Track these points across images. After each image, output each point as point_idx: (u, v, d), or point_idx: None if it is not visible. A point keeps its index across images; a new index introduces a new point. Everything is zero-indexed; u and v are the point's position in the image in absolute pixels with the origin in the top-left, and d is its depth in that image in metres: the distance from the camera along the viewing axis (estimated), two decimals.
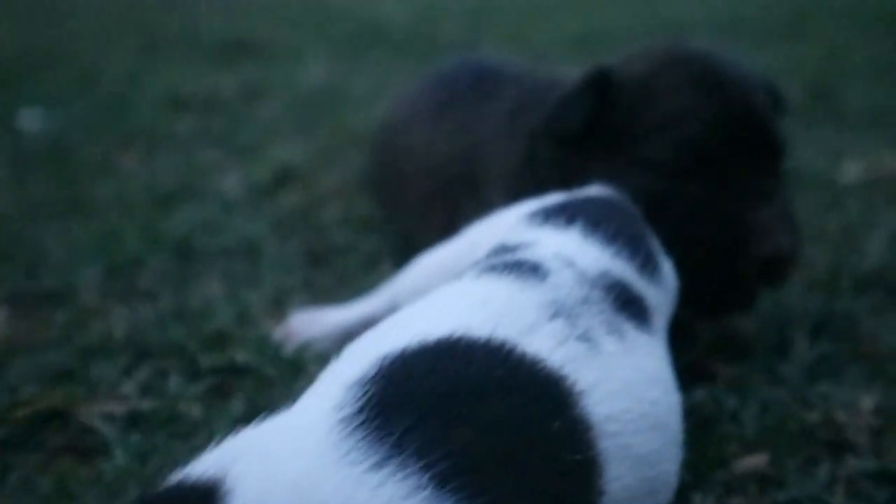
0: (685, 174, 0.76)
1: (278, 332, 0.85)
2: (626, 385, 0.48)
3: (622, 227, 0.59)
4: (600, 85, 0.80)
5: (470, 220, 0.73)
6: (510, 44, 2.66)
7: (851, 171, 1.34)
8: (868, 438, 0.66)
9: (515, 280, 0.51)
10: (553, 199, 0.65)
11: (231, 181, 1.39)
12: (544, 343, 0.47)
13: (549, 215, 0.59)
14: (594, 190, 0.69)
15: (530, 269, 0.52)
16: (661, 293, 0.59)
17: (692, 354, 0.75)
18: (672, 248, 0.66)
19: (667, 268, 0.62)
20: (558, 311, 0.49)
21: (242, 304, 0.94)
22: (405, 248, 0.98)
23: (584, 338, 0.49)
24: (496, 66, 1.02)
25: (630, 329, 0.53)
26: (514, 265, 0.52)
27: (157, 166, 1.51)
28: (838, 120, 1.70)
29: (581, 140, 0.80)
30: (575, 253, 0.55)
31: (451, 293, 0.52)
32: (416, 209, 0.98)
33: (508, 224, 0.63)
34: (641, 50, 0.86)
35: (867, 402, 0.68)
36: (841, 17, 2.80)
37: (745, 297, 0.77)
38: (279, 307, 0.95)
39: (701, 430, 0.66)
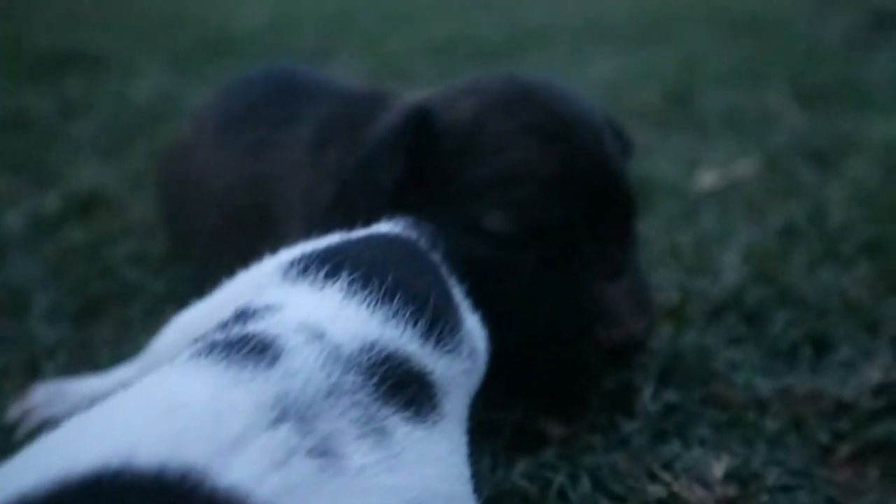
0: (520, 243, 0.62)
1: (14, 411, 0.68)
2: None
3: (404, 278, 0.45)
4: (419, 131, 0.66)
5: None
6: (368, 51, 2.52)
7: (706, 179, 1.26)
8: None
9: (229, 368, 0.36)
10: (323, 243, 0.50)
11: (13, 215, 1.19)
12: (252, 466, 0.32)
13: (309, 267, 0.45)
14: (383, 226, 0.55)
15: (256, 350, 0.37)
16: (458, 362, 0.46)
17: (517, 413, 0.63)
18: (503, 330, 0.54)
19: (471, 327, 0.49)
20: (284, 413, 0.35)
21: None
22: (197, 291, 0.82)
23: (320, 451, 0.35)
24: (302, 78, 0.87)
25: (399, 425, 0.39)
26: (237, 344, 0.38)
27: None
28: (695, 125, 1.64)
29: (400, 193, 0.65)
30: (329, 321, 0.41)
31: (139, 392, 0.37)
32: (205, 245, 0.82)
33: (260, 279, 0.48)
34: (470, 83, 0.71)
35: (718, 468, 0.57)
36: (699, 23, 2.79)
37: (585, 386, 0.65)
38: (33, 374, 0.77)
39: None
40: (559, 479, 0.56)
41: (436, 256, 0.52)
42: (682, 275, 0.92)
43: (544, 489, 0.56)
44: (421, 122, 0.66)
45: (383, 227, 0.54)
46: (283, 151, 0.77)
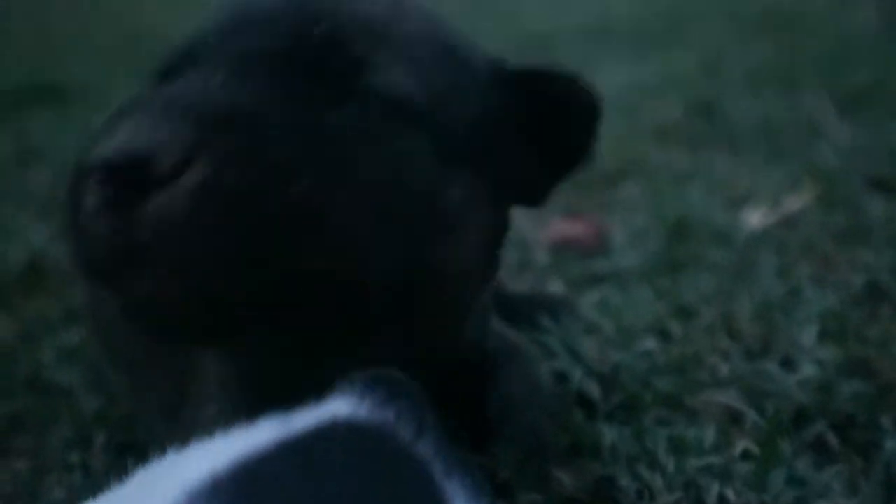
0: None
1: None
2: None
3: None
4: None
5: None
6: None
7: (753, 216, 1.06)
8: None
9: None
10: (244, 452, 0.32)
11: None
12: None
13: None
14: (347, 404, 0.35)
15: None
16: None
17: None
18: None
19: None
20: None
21: None
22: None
23: None
24: None
25: None
26: None
27: None
28: (726, 141, 1.45)
29: None
30: None
31: None
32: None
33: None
34: None
35: None
36: (714, 22, 2.60)
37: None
38: None
39: None
40: None
41: (425, 452, 0.33)
42: (742, 362, 0.73)
43: None
44: None
45: (344, 405, 0.35)
46: None
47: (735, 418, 0.67)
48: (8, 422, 0.73)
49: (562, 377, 0.70)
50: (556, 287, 0.91)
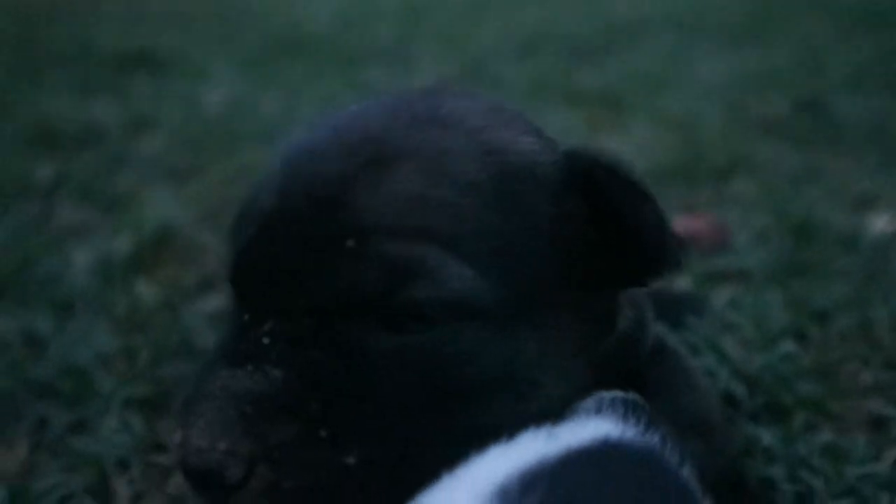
0: None
1: None
2: None
3: None
4: None
5: None
6: (448, 49, 2.35)
7: (877, 221, 1.06)
8: None
9: None
10: (541, 451, 0.34)
11: (82, 256, 1.06)
12: None
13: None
14: (609, 426, 0.37)
15: None
16: None
17: None
18: None
19: None
20: None
21: (39, 501, 0.62)
22: None
23: None
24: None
25: None
26: None
27: None
28: (836, 141, 1.43)
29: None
30: None
31: None
32: None
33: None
34: None
35: None
36: (813, 15, 2.54)
37: None
38: (103, 499, 0.63)
39: None
40: None
41: (692, 484, 0.35)
42: (884, 371, 0.73)
43: None
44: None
45: (609, 426, 0.37)
46: None
47: (879, 425, 0.68)
48: (171, 385, 0.76)
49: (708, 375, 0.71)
50: (682, 284, 0.92)
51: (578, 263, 0.44)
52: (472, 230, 0.41)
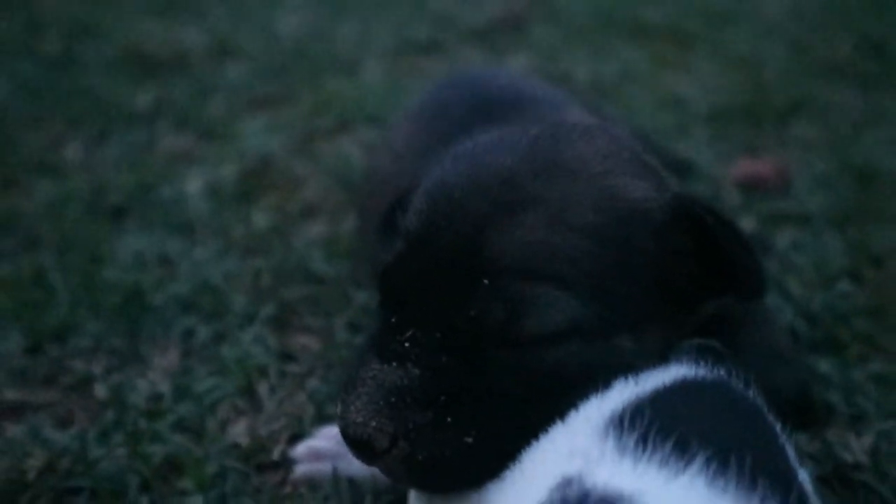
0: None
1: (301, 449, 0.66)
2: None
3: (762, 456, 0.38)
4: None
5: None
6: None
7: None
8: None
9: None
10: (636, 390, 0.43)
11: (194, 183, 1.16)
12: None
13: (648, 432, 0.38)
14: (688, 369, 0.46)
15: None
16: None
17: None
18: None
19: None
20: None
21: (201, 398, 0.74)
22: None
23: None
24: (505, 96, 0.79)
25: None
26: None
27: (107, 157, 1.27)
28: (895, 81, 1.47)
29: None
30: None
31: None
32: None
33: (578, 429, 0.42)
34: None
35: None
36: None
37: None
38: (251, 399, 0.75)
39: None
40: None
41: (760, 405, 0.44)
42: None
43: None
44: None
45: (688, 368, 0.46)
46: None
47: None
48: (297, 304, 0.87)
49: None
50: (747, 224, 1.00)
51: (676, 288, 0.54)
52: (584, 270, 0.50)
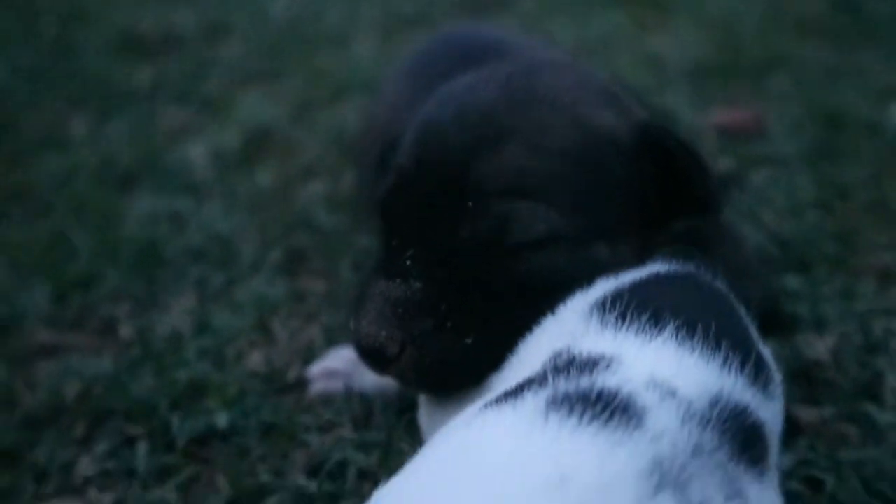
0: None
1: (315, 369, 0.72)
2: None
3: (725, 325, 0.44)
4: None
5: None
6: None
7: None
8: None
9: (601, 430, 0.36)
10: (619, 284, 0.49)
11: (197, 150, 1.22)
12: None
13: (626, 313, 0.44)
14: (662, 266, 0.52)
15: (619, 410, 0.37)
16: (775, 406, 0.45)
17: None
18: None
19: (773, 368, 0.47)
20: (662, 481, 0.35)
21: (219, 333, 0.80)
22: None
23: None
24: (488, 45, 0.84)
25: (751, 485, 0.38)
26: (596, 400, 0.38)
27: (111, 132, 1.33)
28: (874, 40, 1.52)
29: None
30: (674, 375, 0.40)
31: (505, 447, 0.37)
32: None
33: (566, 317, 0.48)
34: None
35: None
36: None
37: None
38: (265, 333, 0.81)
39: None
40: (830, 479, 0.57)
41: (725, 291, 0.50)
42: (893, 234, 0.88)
43: (815, 490, 0.57)
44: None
45: (662, 266, 0.52)
46: None
47: (886, 275, 0.83)
48: (303, 251, 0.93)
49: None
50: (725, 165, 1.06)
51: (645, 205, 0.60)
52: (560, 188, 0.56)
